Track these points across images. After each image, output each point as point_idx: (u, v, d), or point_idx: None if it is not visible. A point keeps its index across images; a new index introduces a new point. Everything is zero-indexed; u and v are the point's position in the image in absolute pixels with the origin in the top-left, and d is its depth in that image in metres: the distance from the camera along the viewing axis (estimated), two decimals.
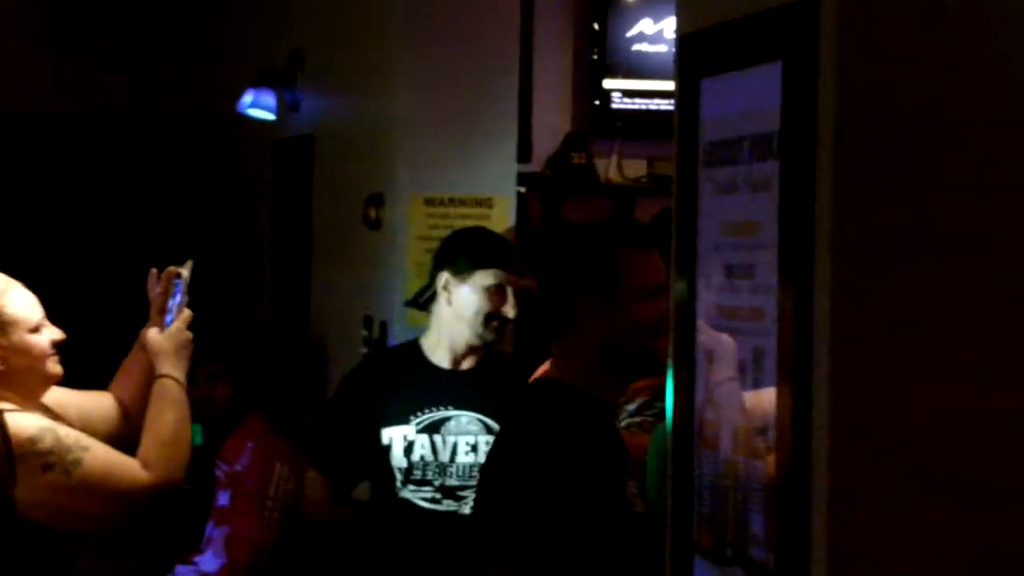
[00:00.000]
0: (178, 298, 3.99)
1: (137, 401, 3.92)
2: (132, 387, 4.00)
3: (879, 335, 2.14)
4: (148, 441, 3.72)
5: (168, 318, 3.96)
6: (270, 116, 7.17)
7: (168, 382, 3.86)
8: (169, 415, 3.78)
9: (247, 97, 7.15)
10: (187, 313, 3.98)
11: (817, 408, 2.15)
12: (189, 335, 3.95)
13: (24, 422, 3.58)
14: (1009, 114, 2.17)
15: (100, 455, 3.63)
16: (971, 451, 2.17)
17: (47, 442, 3.55)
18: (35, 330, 3.73)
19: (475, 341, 4.75)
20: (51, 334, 3.78)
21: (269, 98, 7.11)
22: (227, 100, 7.56)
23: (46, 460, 3.53)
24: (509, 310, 4.72)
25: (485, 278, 4.71)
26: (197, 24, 8.43)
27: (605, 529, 3.28)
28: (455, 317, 4.73)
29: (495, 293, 4.71)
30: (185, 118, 8.45)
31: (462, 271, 4.72)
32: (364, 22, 6.16)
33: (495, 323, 4.73)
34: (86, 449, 3.60)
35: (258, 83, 7.17)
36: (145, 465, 3.65)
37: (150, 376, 3.88)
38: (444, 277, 4.75)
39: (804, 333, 2.18)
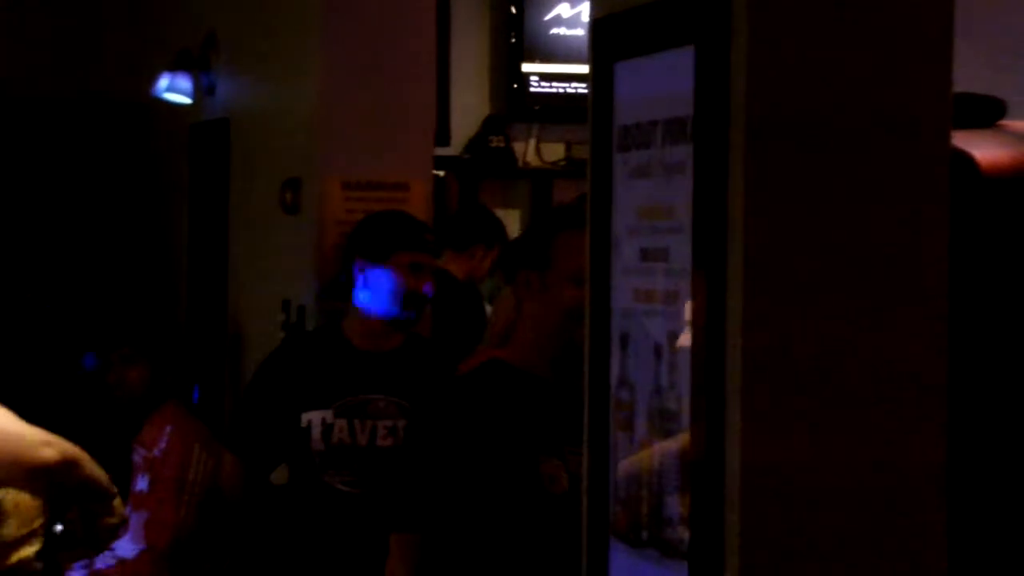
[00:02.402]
0: None
1: None
2: None
3: (791, 316, 2.16)
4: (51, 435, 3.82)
5: None
6: (186, 100, 7.12)
7: None
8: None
9: (163, 81, 7.11)
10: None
11: (730, 388, 2.17)
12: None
13: None
14: (917, 99, 2.20)
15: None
16: (884, 422, 2.20)
17: None
18: None
19: (394, 323, 4.76)
20: None
21: (185, 82, 7.07)
22: (143, 84, 7.50)
23: None
24: (427, 289, 4.74)
25: (401, 259, 4.72)
26: (112, 6, 8.36)
27: (510, 507, 3.32)
28: (373, 300, 4.74)
29: (411, 273, 4.72)
30: (100, 102, 8.38)
31: (378, 254, 4.73)
32: (279, 4, 6.13)
33: (413, 303, 4.74)
34: None
35: (173, 67, 7.13)
36: (47, 443, 3.74)
37: None
38: (359, 262, 4.76)
39: (717, 316, 2.19)
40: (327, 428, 4.65)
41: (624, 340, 2.49)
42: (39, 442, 3.86)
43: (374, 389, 4.69)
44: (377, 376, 4.71)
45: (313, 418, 4.66)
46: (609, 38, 2.54)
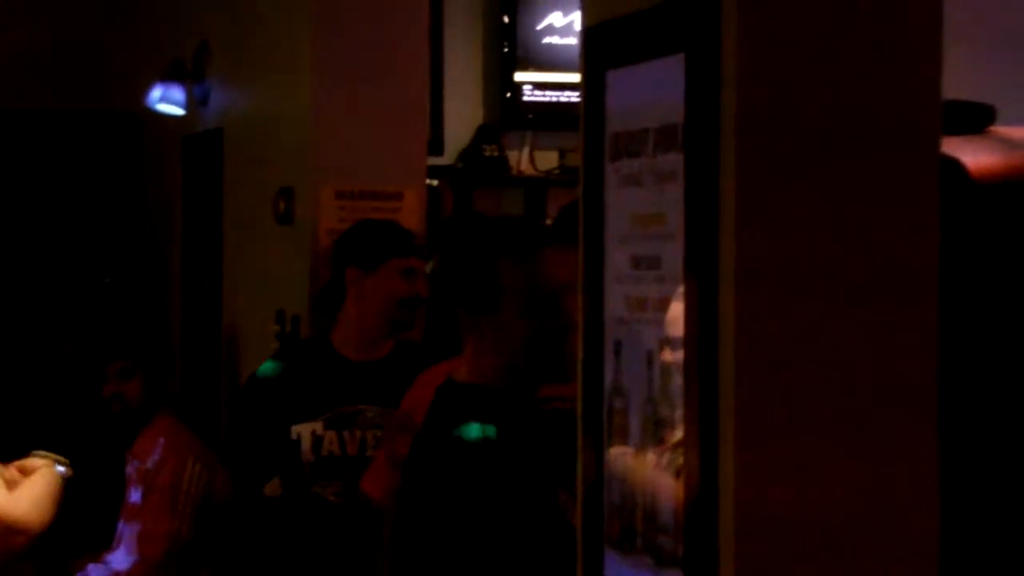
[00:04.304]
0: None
1: None
2: None
3: (783, 323, 2.16)
4: (23, 491, 3.97)
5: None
6: (179, 111, 7.12)
7: (48, 468, 4.10)
8: (42, 486, 4.02)
9: (155, 92, 7.11)
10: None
11: (722, 395, 2.17)
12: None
13: None
14: (906, 106, 2.20)
15: None
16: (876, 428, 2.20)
17: None
18: None
19: (390, 328, 4.76)
20: None
21: (178, 93, 7.07)
22: (136, 94, 7.50)
23: None
24: (423, 292, 4.75)
25: (397, 265, 4.73)
26: (105, 17, 8.35)
27: (532, 542, 3.22)
28: (367, 309, 4.74)
29: (408, 278, 4.73)
30: (93, 112, 8.37)
31: (371, 262, 4.74)
32: (271, 13, 6.13)
33: (410, 307, 4.75)
34: None
35: (166, 77, 7.12)
36: (17, 502, 3.83)
37: None
38: (352, 271, 4.76)
39: (709, 323, 2.19)
40: (317, 440, 4.65)
41: (617, 347, 2.49)
42: None
43: (363, 399, 4.69)
44: (366, 386, 4.71)
45: (303, 431, 4.66)
46: (601, 46, 2.54)
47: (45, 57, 8.27)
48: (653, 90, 2.35)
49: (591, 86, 2.57)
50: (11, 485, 4.05)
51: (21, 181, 8.34)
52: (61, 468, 4.25)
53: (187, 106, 7.08)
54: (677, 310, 2.27)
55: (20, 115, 8.29)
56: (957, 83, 2.51)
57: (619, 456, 2.47)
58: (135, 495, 5.30)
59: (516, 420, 3.29)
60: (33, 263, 8.25)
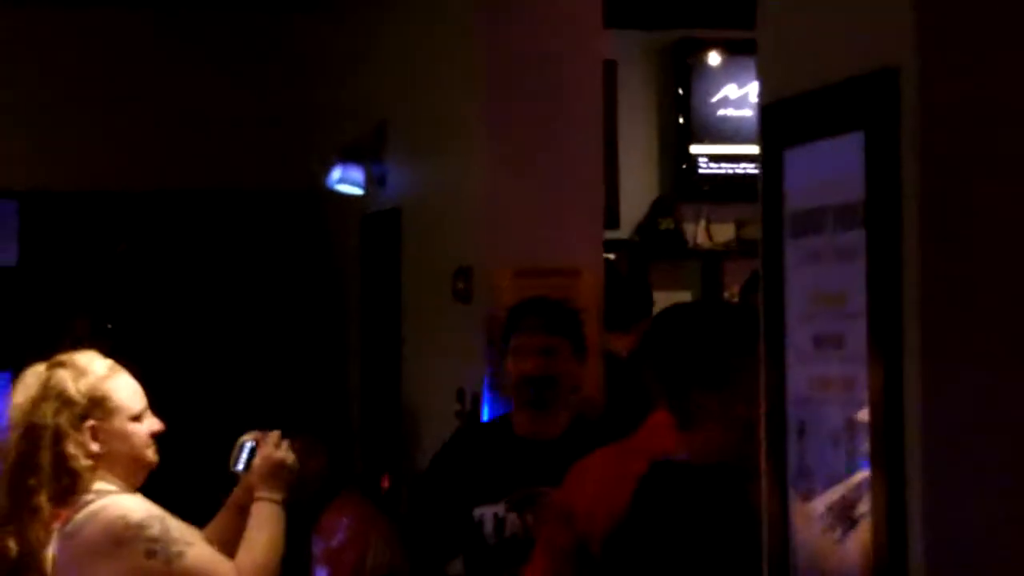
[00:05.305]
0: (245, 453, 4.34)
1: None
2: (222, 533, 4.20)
3: (972, 402, 2.12)
4: (244, 555, 3.94)
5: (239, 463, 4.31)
6: (358, 191, 7.21)
7: (262, 504, 4.12)
8: (263, 536, 4.02)
9: (335, 172, 7.20)
10: (274, 433, 4.33)
11: (910, 476, 2.14)
12: (280, 456, 4.26)
13: (133, 506, 3.78)
14: None
15: (202, 553, 3.81)
16: None
17: (155, 530, 3.73)
18: (136, 418, 3.93)
19: (524, 409, 4.79)
20: (151, 424, 3.97)
21: (356, 173, 7.16)
22: (315, 173, 7.61)
23: (151, 547, 3.71)
24: (532, 371, 4.73)
25: (512, 345, 4.79)
26: (285, 97, 8.49)
27: None
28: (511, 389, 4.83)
29: (520, 358, 4.76)
30: (275, 191, 8.50)
31: (503, 343, 4.83)
32: (446, 95, 6.20)
33: (529, 387, 4.76)
34: (190, 544, 3.78)
35: (345, 158, 7.22)
36: (240, 572, 3.82)
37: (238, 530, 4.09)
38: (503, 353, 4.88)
39: (895, 403, 2.16)
40: (499, 522, 4.66)
41: (801, 428, 2.47)
42: None
43: (543, 480, 4.67)
44: (545, 466, 4.68)
45: (485, 513, 4.67)
46: (777, 125, 2.53)
47: (228, 138, 8.43)
48: (831, 168, 2.34)
49: (769, 164, 2.56)
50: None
51: (205, 257, 8.50)
52: (249, 442, 4.33)
53: (365, 186, 7.17)
54: None
55: (203, 195, 8.46)
56: None
57: (806, 536, 2.44)
58: (321, 574, 5.34)
59: (732, 501, 3.20)
60: (215, 338, 8.38)
